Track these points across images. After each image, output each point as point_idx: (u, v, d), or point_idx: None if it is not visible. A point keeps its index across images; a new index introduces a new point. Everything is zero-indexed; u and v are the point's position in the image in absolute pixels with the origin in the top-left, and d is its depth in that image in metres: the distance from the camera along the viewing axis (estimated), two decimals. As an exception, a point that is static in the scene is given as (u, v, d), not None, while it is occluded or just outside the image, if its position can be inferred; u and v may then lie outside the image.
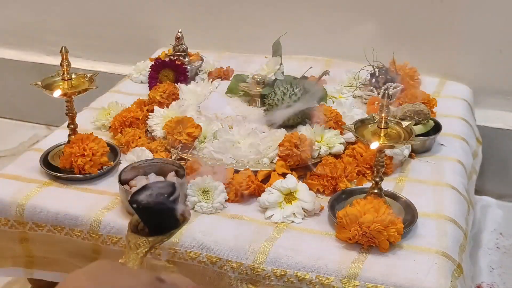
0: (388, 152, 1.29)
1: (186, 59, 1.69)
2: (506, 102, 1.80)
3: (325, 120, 1.35)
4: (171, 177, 1.22)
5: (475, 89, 1.74)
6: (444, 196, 1.24)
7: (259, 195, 1.21)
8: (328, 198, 1.21)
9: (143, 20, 2.06)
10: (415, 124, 1.36)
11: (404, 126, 1.13)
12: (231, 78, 1.60)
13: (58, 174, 1.29)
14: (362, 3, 1.82)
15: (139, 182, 1.20)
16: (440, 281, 1.02)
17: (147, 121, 1.43)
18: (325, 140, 1.32)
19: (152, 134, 1.39)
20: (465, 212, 1.26)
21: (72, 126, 1.33)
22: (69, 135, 1.33)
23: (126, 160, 1.29)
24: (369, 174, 1.27)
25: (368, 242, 1.07)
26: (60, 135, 1.43)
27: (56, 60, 1.56)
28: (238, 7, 1.94)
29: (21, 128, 2.25)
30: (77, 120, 1.34)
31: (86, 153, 1.27)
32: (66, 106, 1.31)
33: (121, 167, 1.28)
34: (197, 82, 1.63)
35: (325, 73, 1.43)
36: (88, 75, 1.34)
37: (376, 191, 1.15)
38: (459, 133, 1.48)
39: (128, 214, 1.18)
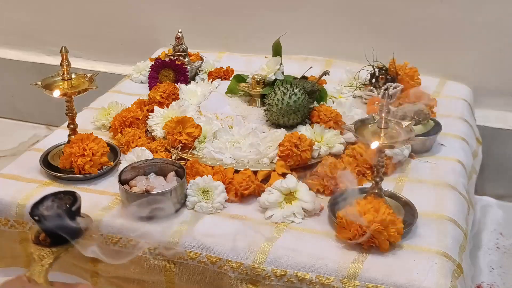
0: (388, 152, 1.29)
1: (186, 59, 1.69)
2: (506, 102, 1.80)
3: (325, 120, 1.35)
4: (171, 177, 1.22)
5: (475, 89, 1.74)
6: (444, 196, 1.24)
7: (259, 195, 1.21)
8: (328, 198, 1.21)
9: (143, 20, 2.06)
10: (415, 124, 1.36)
11: (404, 126, 1.13)
12: (231, 78, 1.60)
13: (58, 174, 1.29)
14: (362, 3, 1.82)
15: (139, 182, 1.20)
16: (440, 281, 1.02)
17: (147, 121, 1.43)
18: (325, 140, 1.32)
19: (152, 134, 1.39)
20: (465, 212, 1.26)
21: (72, 126, 1.33)
22: (69, 135, 1.34)
23: (126, 160, 1.29)
24: (369, 174, 1.28)
25: (368, 242, 1.07)
26: (60, 135, 1.43)
27: (56, 60, 1.56)
28: (238, 7, 1.94)
29: (21, 128, 2.25)
30: (77, 120, 1.34)
31: (86, 153, 1.27)
32: (66, 106, 1.31)
33: (121, 167, 1.28)
34: (197, 82, 1.63)
35: (325, 73, 1.43)
36: (88, 75, 1.34)
37: (376, 191, 1.15)
38: (459, 133, 1.48)
39: (128, 213, 1.17)
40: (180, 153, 1.32)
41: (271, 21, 1.91)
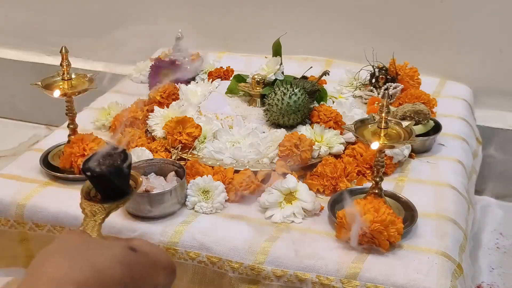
0: (388, 152, 1.29)
1: (186, 59, 1.69)
2: (506, 102, 1.80)
3: (325, 120, 1.35)
4: (171, 177, 1.22)
5: (475, 89, 1.74)
6: (444, 196, 1.24)
7: (259, 195, 1.21)
8: (328, 198, 1.21)
9: (143, 20, 2.06)
10: (415, 124, 1.36)
11: (404, 126, 1.13)
12: (231, 78, 1.60)
13: (58, 174, 1.29)
14: (362, 3, 1.82)
15: (139, 182, 1.20)
16: (440, 281, 1.02)
17: (147, 121, 1.43)
18: (325, 140, 1.32)
19: (152, 134, 1.39)
20: (465, 212, 1.26)
21: (72, 126, 1.33)
22: (69, 135, 1.33)
23: (126, 160, 1.29)
24: (369, 174, 1.28)
25: (368, 242, 1.07)
26: (60, 135, 1.43)
27: (56, 60, 1.55)
28: (238, 7, 1.94)
29: (21, 128, 2.25)
30: (77, 120, 1.34)
31: (86, 153, 1.27)
32: (66, 106, 1.31)
33: (121, 167, 1.27)
34: (197, 82, 1.63)
35: (325, 73, 1.43)
36: (88, 75, 1.34)
37: (376, 191, 1.15)
38: (459, 133, 1.48)
39: (128, 214, 1.18)
40: (180, 153, 1.32)
41: (271, 21, 1.91)
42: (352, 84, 1.63)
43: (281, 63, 1.48)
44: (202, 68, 1.71)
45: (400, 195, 1.21)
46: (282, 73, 1.48)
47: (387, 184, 1.23)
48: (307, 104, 1.38)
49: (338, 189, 1.23)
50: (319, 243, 1.11)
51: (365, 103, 1.56)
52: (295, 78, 1.49)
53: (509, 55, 1.76)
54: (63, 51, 1.27)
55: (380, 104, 1.10)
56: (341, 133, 1.35)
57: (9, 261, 1.28)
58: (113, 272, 0.54)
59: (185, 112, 1.42)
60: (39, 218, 1.21)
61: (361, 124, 1.15)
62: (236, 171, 1.25)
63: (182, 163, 1.26)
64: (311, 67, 1.49)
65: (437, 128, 1.41)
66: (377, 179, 1.14)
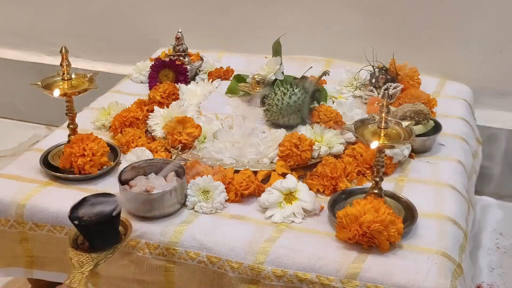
0: (388, 152, 1.29)
1: (186, 59, 1.69)
2: (506, 102, 1.80)
3: (325, 120, 1.35)
4: (171, 177, 1.22)
5: (475, 89, 1.74)
6: (444, 196, 1.24)
7: (259, 195, 1.21)
8: (328, 198, 1.21)
9: (143, 20, 2.06)
10: (415, 124, 1.36)
11: (404, 126, 1.13)
12: (231, 78, 1.60)
13: (58, 174, 1.29)
14: (362, 3, 1.82)
15: (139, 182, 1.20)
16: (440, 281, 1.02)
17: (147, 121, 1.43)
18: (325, 140, 1.32)
19: (152, 134, 1.39)
20: (465, 212, 1.26)
21: (72, 126, 1.33)
22: (69, 135, 1.34)
23: (126, 160, 1.29)
24: (369, 174, 1.28)
25: (368, 242, 1.07)
26: (60, 135, 1.43)
27: (56, 60, 1.56)
28: (238, 7, 1.94)
29: (21, 128, 2.25)
30: (77, 120, 1.34)
31: (86, 153, 1.27)
32: (66, 106, 1.31)
33: (121, 167, 1.27)
34: (197, 82, 1.63)
35: (325, 73, 1.43)
36: (88, 75, 1.34)
37: (376, 191, 1.15)
38: (459, 133, 1.48)
39: (128, 214, 1.17)
40: (180, 153, 1.32)
41: (271, 21, 1.91)
42: (352, 84, 1.63)
43: (281, 63, 1.48)
44: (202, 68, 1.71)
45: (400, 195, 1.21)
46: (282, 73, 1.48)
47: (387, 184, 1.23)
48: (307, 104, 1.38)
49: (338, 189, 1.24)
50: (319, 243, 1.11)
51: (365, 103, 1.56)
52: (295, 78, 1.49)
53: (509, 55, 1.76)
54: (63, 51, 1.27)
55: (380, 104, 1.10)
56: (341, 133, 1.34)
57: (9, 261, 1.28)
58: None
59: (185, 112, 1.42)
60: (39, 218, 1.21)
61: (361, 124, 1.15)
62: (236, 171, 1.25)
63: (182, 163, 1.26)
64: (311, 67, 1.49)
65: (437, 128, 1.41)
66: (377, 179, 1.14)
